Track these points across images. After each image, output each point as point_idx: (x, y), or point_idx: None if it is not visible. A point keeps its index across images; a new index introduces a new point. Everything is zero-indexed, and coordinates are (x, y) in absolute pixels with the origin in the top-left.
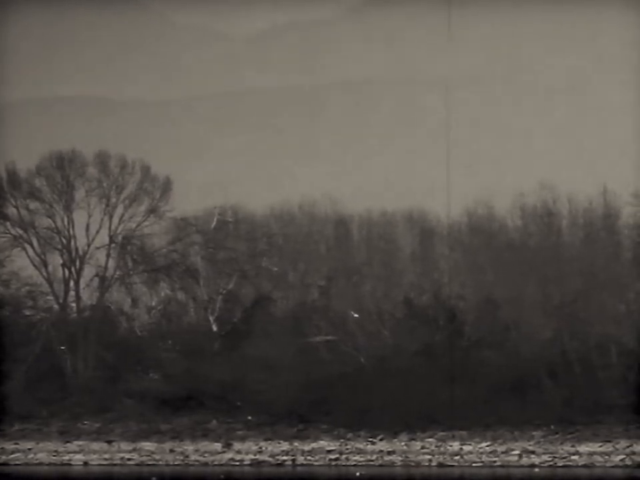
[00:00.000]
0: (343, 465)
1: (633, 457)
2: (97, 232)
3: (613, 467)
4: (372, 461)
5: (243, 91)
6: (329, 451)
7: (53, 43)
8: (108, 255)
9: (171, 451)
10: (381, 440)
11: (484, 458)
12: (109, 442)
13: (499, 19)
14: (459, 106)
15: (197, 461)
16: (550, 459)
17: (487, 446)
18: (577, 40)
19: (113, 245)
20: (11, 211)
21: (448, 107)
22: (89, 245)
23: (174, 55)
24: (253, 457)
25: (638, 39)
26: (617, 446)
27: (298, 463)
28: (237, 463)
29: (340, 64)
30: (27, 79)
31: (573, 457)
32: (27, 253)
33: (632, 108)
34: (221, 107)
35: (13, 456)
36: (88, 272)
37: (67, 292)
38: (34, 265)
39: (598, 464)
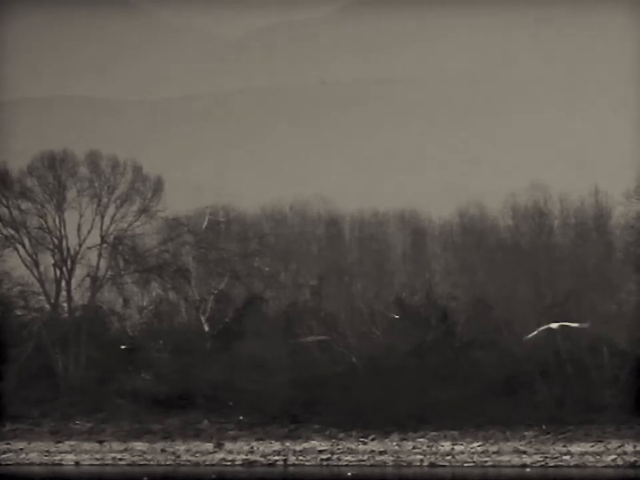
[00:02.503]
0: (335, 465)
1: (624, 457)
2: (89, 232)
3: (604, 467)
4: (363, 461)
5: (236, 90)
6: (321, 451)
7: (48, 45)
8: (99, 255)
9: (163, 451)
10: (372, 440)
11: (475, 458)
12: (101, 442)
13: (491, 19)
14: (453, 105)
15: (189, 461)
16: (541, 459)
17: (479, 446)
18: (570, 40)
19: (104, 245)
20: (3, 210)
21: (441, 106)
22: (80, 245)
23: (167, 56)
24: (244, 457)
25: (630, 39)
26: (609, 446)
27: (289, 463)
28: (229, 463)
29: (333, 63)
30: (20, 79)
31: (564, 457)
32: (18, 253)
33: (623, 108)
34: (213, 107)
35: (4, 456)
36: (79, 272)
37: (58, 292)
38: (25, 265)
39: (589, 464)
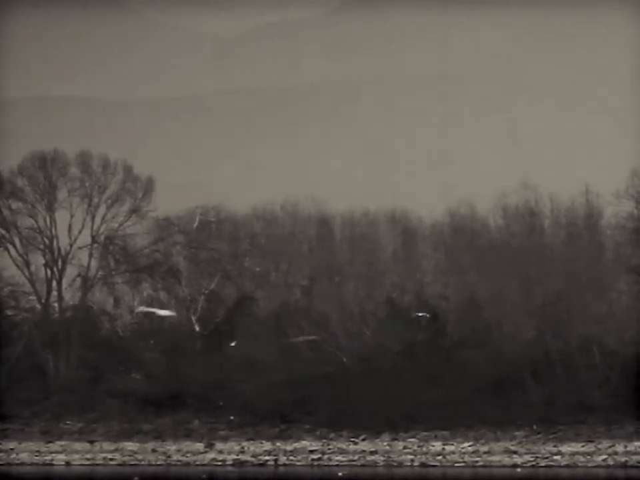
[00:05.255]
0: (325, 465)
1: (615, 457)
2: (80, 232)
3: (595, 467)
4: (354, 461)
5: (228, 90)
6: (312, 451)
7: (40, 45)
8: (90, 255)
9: (153, 451)
10: (363, 440)
11: (466, 458)
12: (91, 442)
13: (482, 18)
14: (444, 105)
15: (179, 461)
16: (532, 459)
17: (470, 446)
18: (562, 40)
19: (95, 245)
20: None
21: (432, 107)
22: (71, 245)
23: (158, 56)
24: (235, 457)
25: (625, 39)
26: (600, 446)
27: (280, 463)
28: (219, 463)
29: (324, 63)
30: (11, 79)
31: (555, 457)
32: (9, 253)
33: (614, 108)
34: (205, 107)
35: None
36: (70, 272)
37: (49, 292)
38: (16, 265)
39: (580, 464)
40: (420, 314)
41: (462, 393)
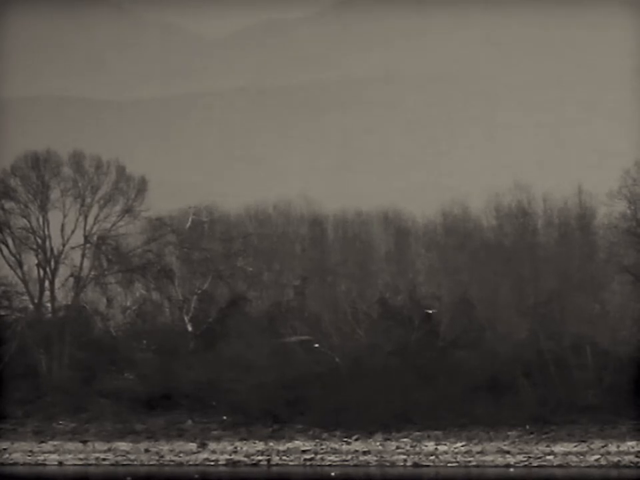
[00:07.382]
0: (318, 465)
1: (607, 457)
2: (72, 232)
3: (588, 467)
4: (347, 461)
5: (221, 91)
6: (304, 451)
7: (34, 45)
8: (83, 255)
9: (146, 450)
10: (356, 440)
11: (459, 458)
12: (84, 442)
13: (478, 18)
14: (437, 105)
15: (172, 461)
16: (525, 459)
17: (462, 446)
18: (557, 40)
19: (88, 245)
20: None
21: (425, 106)
22: (64, 245)
23: (151, 56)
24: (228, 457)
25: (621, 40)
26: (592, 446)
27: (273, 463)
28: (212, 463)
29: (317, 63)
30: (6, 79)
31: (548, 457)
32: (2, 252)
33: (607, 108)
34: (198, 107)
35: None
36: (63, 272)
37: (42, 292)
38: (9, 265)
39: (573, 464)
40: (430, 311)
41: (455, 393)
